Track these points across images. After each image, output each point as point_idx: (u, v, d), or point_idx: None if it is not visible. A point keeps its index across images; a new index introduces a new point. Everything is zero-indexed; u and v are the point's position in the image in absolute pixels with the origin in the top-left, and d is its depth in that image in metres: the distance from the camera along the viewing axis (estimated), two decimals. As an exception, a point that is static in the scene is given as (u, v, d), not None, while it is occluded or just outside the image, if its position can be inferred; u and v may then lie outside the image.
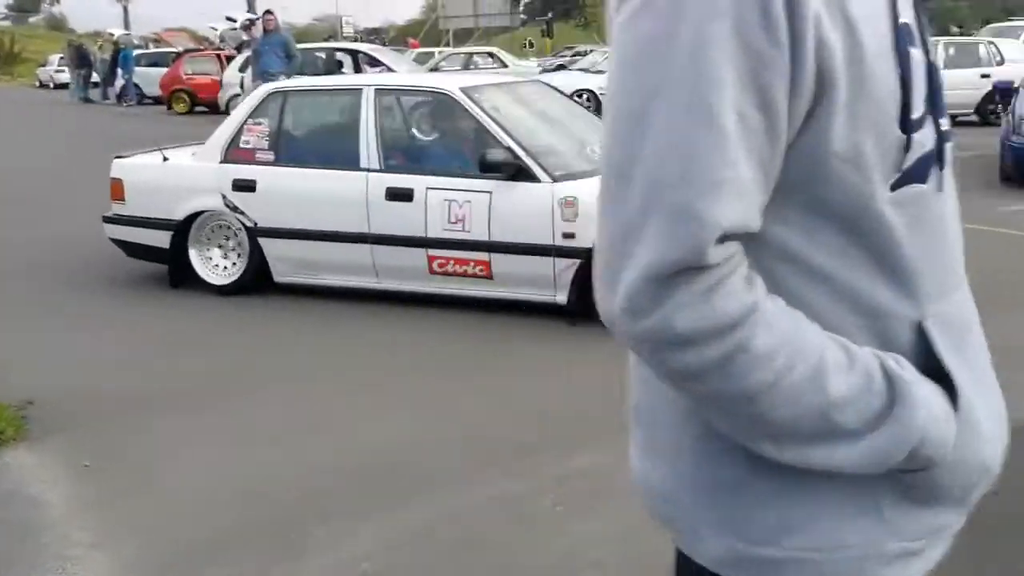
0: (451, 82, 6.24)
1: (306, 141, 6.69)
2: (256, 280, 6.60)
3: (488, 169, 5.71)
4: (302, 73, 15.51)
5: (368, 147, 6.14)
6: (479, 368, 5.24)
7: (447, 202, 5.87)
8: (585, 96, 21.23)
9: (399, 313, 6.13)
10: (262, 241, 6.45)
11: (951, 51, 18.30)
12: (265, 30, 15.15)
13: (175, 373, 5.25)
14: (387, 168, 6.14)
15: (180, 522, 3.61)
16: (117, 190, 6.91)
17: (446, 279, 6.00)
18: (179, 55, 29.39)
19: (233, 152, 6.56)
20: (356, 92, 6.39)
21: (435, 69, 24.14)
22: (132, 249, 7.00)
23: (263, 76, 15.09)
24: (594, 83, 21.48)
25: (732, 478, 1.09)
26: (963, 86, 17.36)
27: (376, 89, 6.28)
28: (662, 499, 1.17)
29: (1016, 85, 11.95)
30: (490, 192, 5.78)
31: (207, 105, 25.08)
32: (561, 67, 27.34)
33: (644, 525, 3.33)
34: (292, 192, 6.34)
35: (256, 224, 6.42)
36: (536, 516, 3.52)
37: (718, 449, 1.09)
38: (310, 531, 3.48)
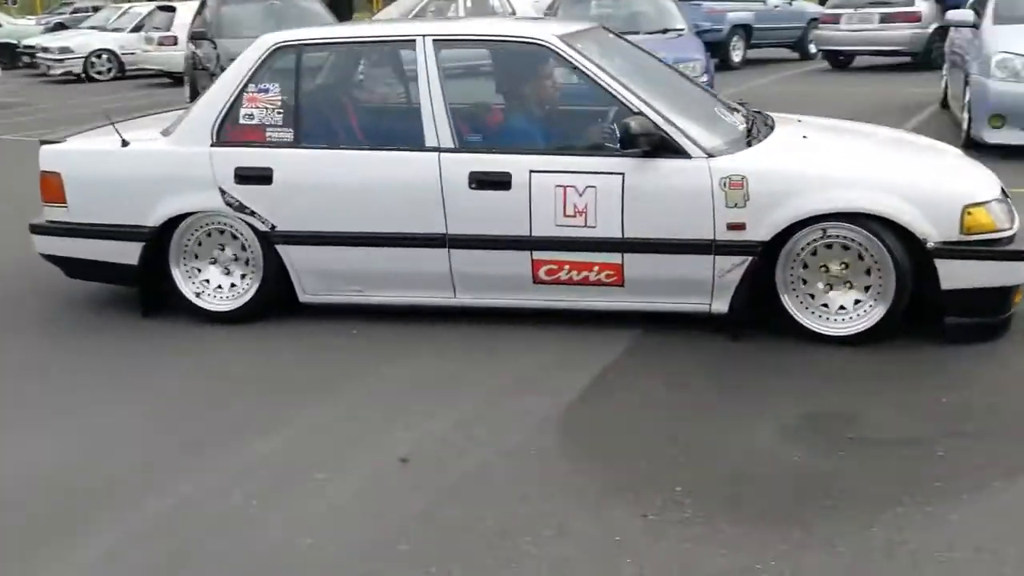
0: (542, 29, 4.81)
1: (339, 113, 5.06)
2: (272, 301, 4.97)
3: (628, 143, 4.38)
4: None
5: (436, 119, 4.63)
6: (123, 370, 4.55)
7: (560, 188, 4.49)
8: (105, 57, 19.75)
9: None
10: (283, 250, 4.82)
11: (469, 4, 18.13)
12: None
13: None
14: (466, 146, 4.67)
15: None
16: (52, 188, 5.05)
17: (558, 289, 4.64)
18: None
19: (230, 131, 4.87)
20: (407, 45, 4.84)
21: None
22: (78, 268, 5.19)
23: None
24: (114, 42, 19.95)
25: None
26: None
27: (435, 40, 4.73)
28: None
29: None
30: (622, 174, 4.45)
31: None
32: (61, 25, 25.51)
33: (345, 505, 3.22)
34: (327, 183, 4.75)
35: (274, 228, 4.79)
36: (230, 515, 3.21)
37: None
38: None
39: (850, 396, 3.95)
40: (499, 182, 4.53)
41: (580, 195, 4.47)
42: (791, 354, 4.33)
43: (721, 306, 4.51)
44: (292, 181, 4.75)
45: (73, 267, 5.20)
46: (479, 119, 4.89)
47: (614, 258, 4.51)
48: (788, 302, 4.45)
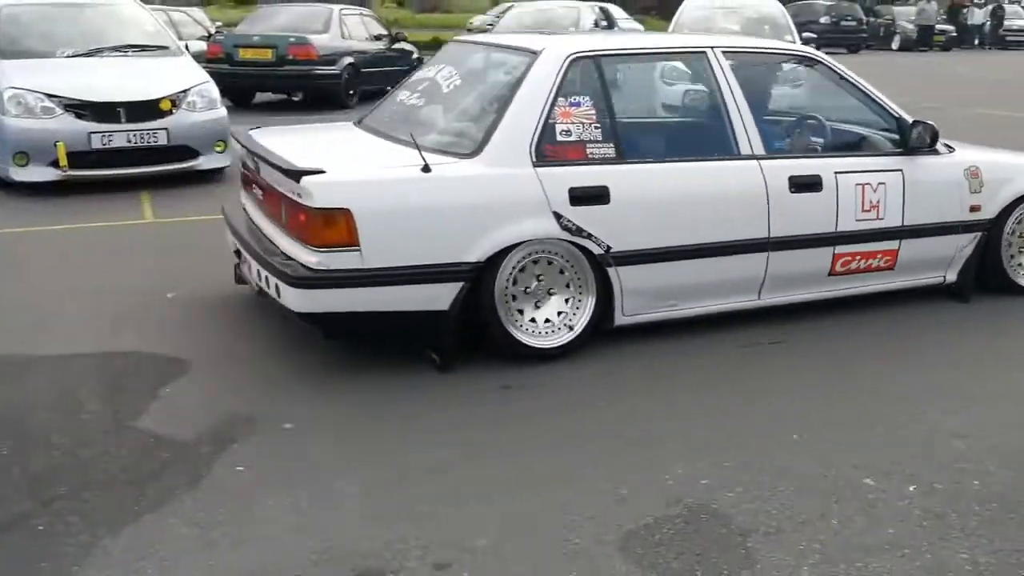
0: (800, 45, 5.11)
1: (651, 124, 4.80)
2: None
3: (929, 144, 5.02)
4: None
5: (747, 128, 4.75)
6: None
7: (859, 187, 4.95)
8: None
9: None
10: (614, 271, 4.54)
11: None
12: None
13: None
14: (775, 153, 4.85)
15: None
16: (338, 229, 4.09)
17: (846, 279, 5.07)
18: None
19: (549, 149, 4.42)
20: (696, 57, 4.79)
21: None
22: (358, 323, 4.29)
23: None
24: None
25: None
26: None
27: (724, 52, 4.81)
28: None
29: None
30: (901, 170, 5.05)
31: None
32: None
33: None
34: (661, 197, 4.58)
35: (609, 249, 4.50)
36: None
37: None
38: None
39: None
40: (812, 184, 4.82)
41: (874, 191, 4.96)
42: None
43: (952, 276, 5.34)
44: (628, 198, 4.49)
45: (351, 323, 4.27)
46: (774, 125, 5.03)
47: (893, 245, 5.08)
48: (1009, 267, 5.42)
